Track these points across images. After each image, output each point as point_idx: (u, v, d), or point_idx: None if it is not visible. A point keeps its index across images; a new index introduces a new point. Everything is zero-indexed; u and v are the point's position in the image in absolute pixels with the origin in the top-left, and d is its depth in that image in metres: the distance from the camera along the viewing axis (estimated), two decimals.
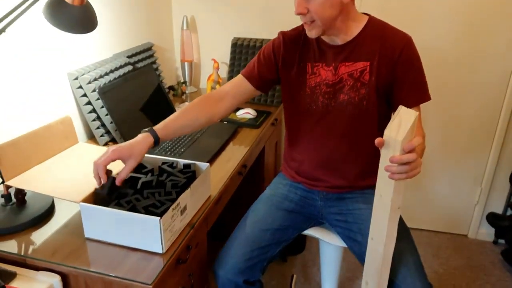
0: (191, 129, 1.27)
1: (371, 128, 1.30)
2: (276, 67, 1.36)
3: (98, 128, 1.57)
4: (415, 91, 1.24)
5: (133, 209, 1.02)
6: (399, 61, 1.22)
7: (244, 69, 1.38)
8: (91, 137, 1.65)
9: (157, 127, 1.17)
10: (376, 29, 1.25)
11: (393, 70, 1.23)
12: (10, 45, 1.28)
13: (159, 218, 0.95)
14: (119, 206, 1.04)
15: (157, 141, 1.14)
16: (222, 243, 1.33)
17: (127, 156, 1.06)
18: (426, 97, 1.25)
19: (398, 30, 1.26)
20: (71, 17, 1.18)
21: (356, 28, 1.25)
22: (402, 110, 0.96)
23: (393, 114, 0.97)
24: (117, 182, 1.05)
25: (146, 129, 1.15)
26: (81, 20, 1.21)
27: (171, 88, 2.18)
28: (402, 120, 0.94)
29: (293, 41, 1.33)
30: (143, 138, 1.12)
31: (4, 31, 1.06)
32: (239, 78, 1.37)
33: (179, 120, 1.23)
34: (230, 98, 1.34)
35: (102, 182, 1.05)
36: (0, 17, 1.06)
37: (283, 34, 1.35)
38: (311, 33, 1.22)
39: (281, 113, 2.13)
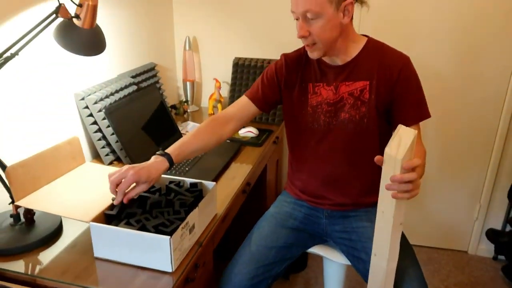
0: (201, 152, 1.31)
1: (373, 145, 1.33)
2: (279, 88, 1.39)
3: (103, 147, 1.59)
4: (414, 110, 1.28)
5: (143, 228, 1.04)
6: (398, 81, 1.25)
7: (248, 91, 1.42)
8: (96, 156, 1.67)
9: (171, 152, 1.19)
10: (374, 49, 1.30)
11: (392, 90, 1.27)
12: (19, 67, 1.31)
13: (169, 237, 0.96)
14: (128, 225, 1.05)
15: (171, 165, 1.18)
16: (224, 262, 1.34)
17: (144, 180, 1.09)
18: (425, 114, 1.29)
19: (396, 50, 1.30)
20: (81, 40, 1.22)
21: (355, 49, 1.30)
22: (401, 129, 0.99)
23: (394, 132, 1.00)
24: (125, 200, 1.07)
25: (160, 153, 1.18)
26: (90, 43, 1.24)
27: (173, 107, 2.21)
28: (402, 138, 0.97)
29: (295, 63, 1.37)
30: (159, 163, 1.14)
31: (17, 54, 1.10)
32: (244, 99, 1.41)
33: (191, 144, 1.26)
34: (236, 120, 1.38)
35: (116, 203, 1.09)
36: (13, 41, 1.09)
37: (285, 56, 1.40)
38: (313, 55, 1.26)
39: (282, 132, 2.16)
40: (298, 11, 1.18)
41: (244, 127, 1.93)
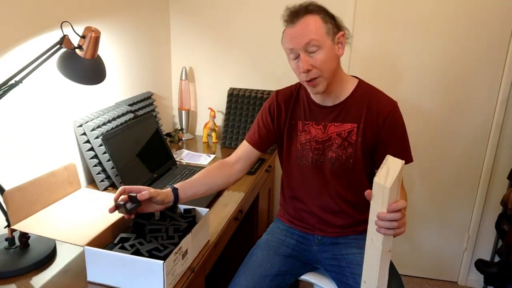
0: (209, 191, 1.37)
1: (360, 181, 1.38)
2: (273, 128, 1.45)
3: (99, 173, 1.62)
4: (398, 155, 1.32)
5: (137, 252, 1.06)
6: (384, 126, 1.31)
7: (247, 135, 1.48)
8: (91, 182, 1.69)
9: (178, 185, 1.27)
10: (364, 93, 1.35)
11: (378, 134, 1.32)
12: (20, 93, 1.35)
13: (162, 261, 0.98)
14: (123, 249, 1.07)
15: (175, 190, 1.25)
16: None
17: (143, 191, 1.16)
18: (408, 160, 1.34)
19: (385, 95, 1.35)
20: (82, 70, 1.27)
21: (345, 91, 1.35)
22: (389, 159, 1.04)
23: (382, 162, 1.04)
24: (139, 197, 1.13)
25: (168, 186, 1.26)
26: (91, 73, 1.29)
27: (168, 135, 2.26)
28: (390, 168, 1.01)
29: (286, 100, 1.43)
30: (165, 191, 1.23)
31: (21, 82, 1.14)
32: (246, 145, 1.47)
33: (199, 180, 1.34)
34: (242, 161, 1.45)
35: (118, 201, 1.14)
36: (18, 69, 1.14)
37: (277, 93, 1.45)
38: (318, 89, 1.28)
39: (274, 160, 2.20)
40: (300, 44, 1.21)
41: None
